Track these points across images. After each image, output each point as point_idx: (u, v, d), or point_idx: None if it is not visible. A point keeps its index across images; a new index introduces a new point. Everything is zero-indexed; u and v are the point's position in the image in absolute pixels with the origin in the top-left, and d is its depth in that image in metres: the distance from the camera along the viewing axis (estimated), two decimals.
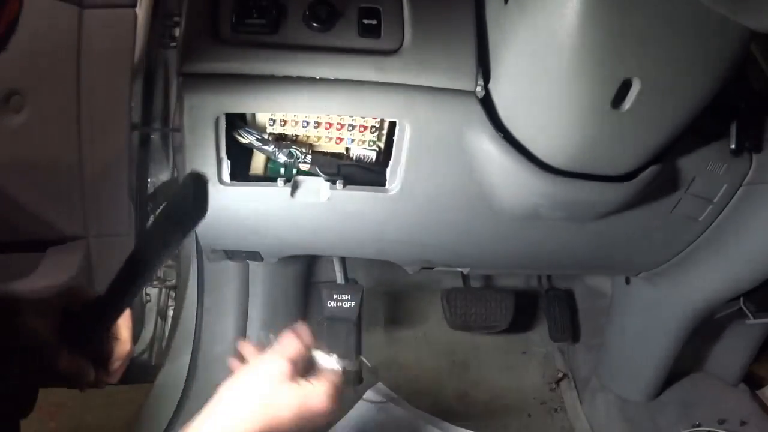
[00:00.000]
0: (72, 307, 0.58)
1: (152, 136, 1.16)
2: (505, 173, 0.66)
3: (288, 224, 0.75)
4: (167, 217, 0.54)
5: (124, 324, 0.61)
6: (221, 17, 0.61)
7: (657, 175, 0.69)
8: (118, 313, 0.58)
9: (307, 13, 0.61)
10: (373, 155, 0.72)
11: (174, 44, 1.09)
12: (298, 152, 0.69)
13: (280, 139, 0.70)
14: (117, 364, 0.60)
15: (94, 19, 0.97)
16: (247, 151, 0.71)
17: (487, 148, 0.65)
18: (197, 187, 0.50)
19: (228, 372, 0.56)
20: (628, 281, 1.03)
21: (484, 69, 0.63)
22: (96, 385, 0.57)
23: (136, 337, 1.12)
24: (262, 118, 0.69)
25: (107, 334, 0.59)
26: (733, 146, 0.68)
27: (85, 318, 0.58)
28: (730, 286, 0.90)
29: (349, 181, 0.70)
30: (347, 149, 0.72)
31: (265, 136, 0.69)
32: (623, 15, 0.48)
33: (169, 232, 0.53)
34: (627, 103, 0.54)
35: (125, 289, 0.56)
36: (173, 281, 1.13)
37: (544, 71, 0.55)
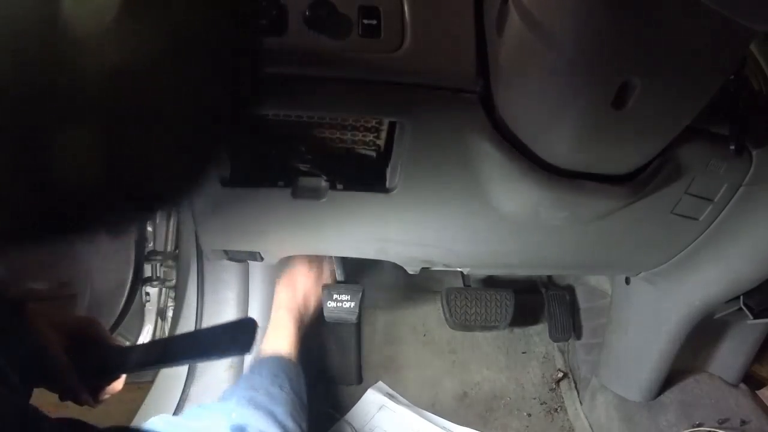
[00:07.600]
0: (84, 336, 0.63)
1: None
2: (505, 173, 0.66)
3: (288, 225, 0.75)
4: (212, 341, 0.65)
5: None
6: None
7: (657, 175, 0.69)
8: (136, 370, 0.67)
9: (307, 13, 0.61)
10: (373, 155, 0.72)
11: None
12: (298, 152, 0.69)
13: (280, 139, 0.70)
14: (105, 396, 0.65)
15: None
16: (249, 152, 0.71)
17: (487, 147, 0.65)
18: (245, 331, 0.64)
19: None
20: (628, 281, 1.02)
21: (484, 69, 0.63)
22: (80, 404, 0.62)
23: (135, 336, 1.12)
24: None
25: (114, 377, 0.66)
26: (733, 146, 0.68)
27: (107, 358, 0.65)
28: (730, 286, 0.89)
29: (349, 181, 0.70)
30: (347, 149, 0.72)
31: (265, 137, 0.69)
32: (623, 15, 0.48)
33: (204, 351, 0.65)
34: (627, 104, 0.54)
35: (150, 362, 0.66)
36: (173, 281, 1.13)
37: (543, 71, 0.55)
